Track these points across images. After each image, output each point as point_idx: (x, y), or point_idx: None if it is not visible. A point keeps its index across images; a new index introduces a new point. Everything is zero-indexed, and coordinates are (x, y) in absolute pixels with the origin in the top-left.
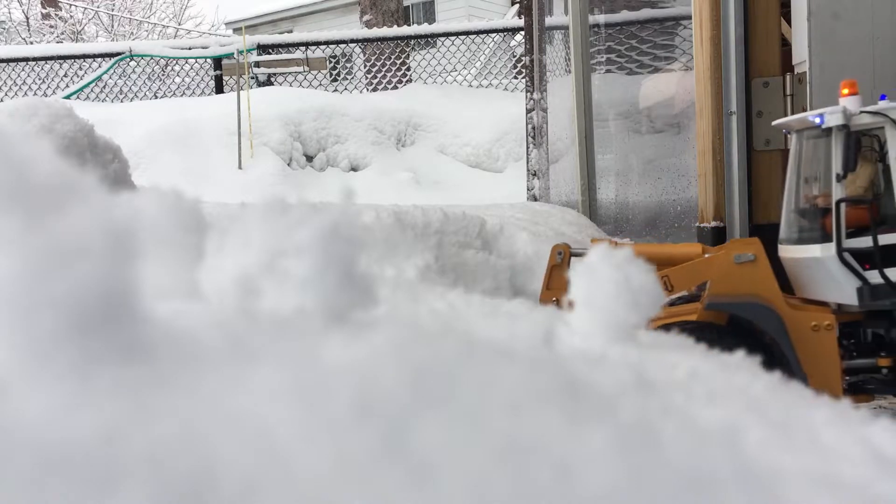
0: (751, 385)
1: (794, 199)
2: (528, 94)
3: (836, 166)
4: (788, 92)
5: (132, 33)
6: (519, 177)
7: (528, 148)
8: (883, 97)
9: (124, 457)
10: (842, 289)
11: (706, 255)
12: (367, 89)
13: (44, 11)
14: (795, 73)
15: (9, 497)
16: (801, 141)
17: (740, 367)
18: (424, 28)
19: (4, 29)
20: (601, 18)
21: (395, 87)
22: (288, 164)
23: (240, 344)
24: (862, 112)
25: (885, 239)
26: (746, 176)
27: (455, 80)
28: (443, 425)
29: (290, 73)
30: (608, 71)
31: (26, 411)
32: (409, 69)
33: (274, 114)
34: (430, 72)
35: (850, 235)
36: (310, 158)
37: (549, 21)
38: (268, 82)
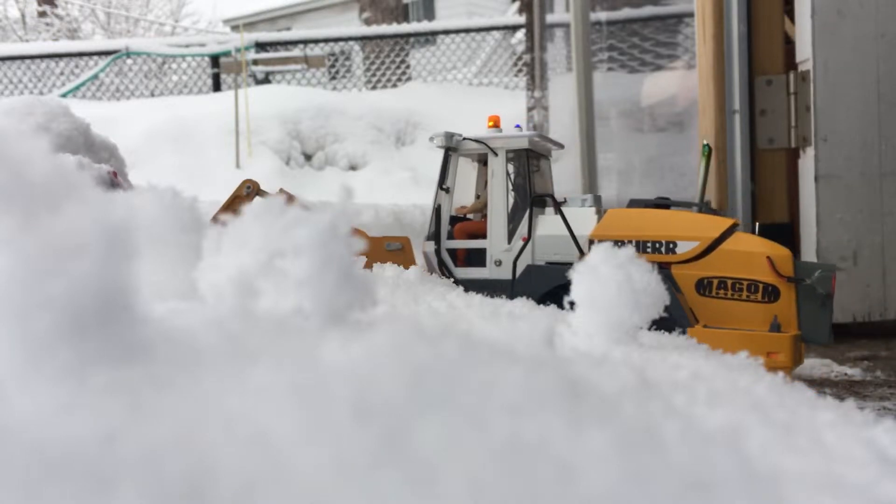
0: (753, 386)
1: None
2: (529, 92)
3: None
4: (792, 90)
5: (129, 31)
6: None
7: None
8: (518, 126)
9: (121, 457)
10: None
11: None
12: (366, 87)
13: (40, 9)
14: (799, 70)
15: (6, 497)
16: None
17: (743, 368)
18: (424, 25)
19: (0, 27)
20: (603, 16)
21: (395, 86)
22: (286, 163)
23: (237, 344)
24: (465, 139)
25: (476, 243)
26: (749, 175)
27: (455, 78)
28: (443, 426)
29: (288, 70)
30: (610, 69)
31: (23, 411)
32: (408, 67)
33: (272, 112)
34: (429, 70)
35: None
36: (308, 157)
37: (550, 18)
38: (266, 80)
